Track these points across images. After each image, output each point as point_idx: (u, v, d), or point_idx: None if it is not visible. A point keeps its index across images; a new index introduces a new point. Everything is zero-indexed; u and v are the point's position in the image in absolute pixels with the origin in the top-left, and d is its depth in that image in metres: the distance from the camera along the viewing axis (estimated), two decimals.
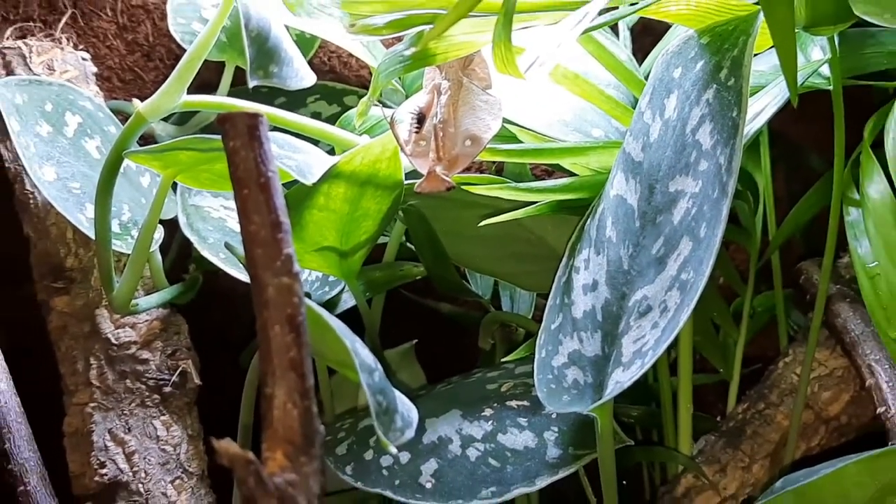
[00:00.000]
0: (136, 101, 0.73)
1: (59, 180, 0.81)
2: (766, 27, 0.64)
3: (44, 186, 0.80)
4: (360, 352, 0.61)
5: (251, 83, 0.59)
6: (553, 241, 0.83)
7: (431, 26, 0.64)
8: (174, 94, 0.72)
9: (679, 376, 0.87)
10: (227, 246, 0.77)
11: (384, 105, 0.79)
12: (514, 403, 0.79)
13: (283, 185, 0.55)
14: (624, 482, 0.94)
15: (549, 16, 0.66)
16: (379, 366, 0.62)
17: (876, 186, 0.76)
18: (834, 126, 0.74)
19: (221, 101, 0.73)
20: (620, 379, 0.67)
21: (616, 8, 0.68)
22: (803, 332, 0.86)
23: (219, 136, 0.66)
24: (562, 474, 0.74)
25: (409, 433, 0.61)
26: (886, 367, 0.76)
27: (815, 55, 0.78)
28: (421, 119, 0.70)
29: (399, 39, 0.69)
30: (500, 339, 0.94)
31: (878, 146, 0.78)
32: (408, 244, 0.92)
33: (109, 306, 0.83)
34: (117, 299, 0.79)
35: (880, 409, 0.75)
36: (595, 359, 0.70)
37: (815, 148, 0.98)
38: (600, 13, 0.64)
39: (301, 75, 0.66)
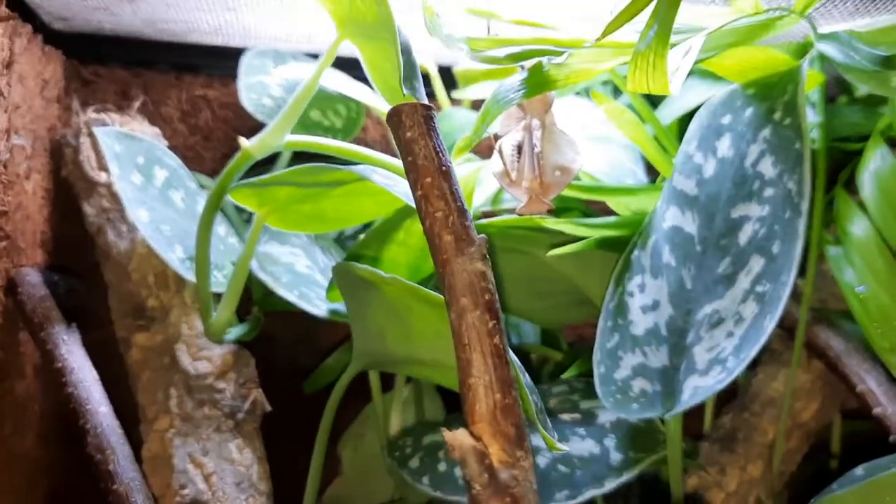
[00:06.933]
0: (241, 139, 0.52)
1: (151, 222, 0.58)
2: None
3: (140, 226, 0.57)
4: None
5: (404, 91, 0.39)
6: (577, 278, 0.64)
7: (547, 59, 0.46)
8: (280, 132, 0.51)
9: None
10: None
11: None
12: (566, 417, 0.59)
13: None
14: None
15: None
16: (523, 367, 0.41)
17: (858, 224, 0.60)
18: None
19: (324, 141, 0.52)
20: (700, 384, 0.49)
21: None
22: (768, 354, 0.69)
23: (326, 165, 0.46)
24: (626, 476, 0.54)
25: (555, 434, 0.41)
26: (873, 374, 0.60)
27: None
28: (519, 152, 0.51)
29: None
30: None
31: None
32: None
33: (205, 333, 0.59)
34: (214, 327, 0.56)
35: (876, 410, 0.58)
36: (662, 369, 0.52)
37: None
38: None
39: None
